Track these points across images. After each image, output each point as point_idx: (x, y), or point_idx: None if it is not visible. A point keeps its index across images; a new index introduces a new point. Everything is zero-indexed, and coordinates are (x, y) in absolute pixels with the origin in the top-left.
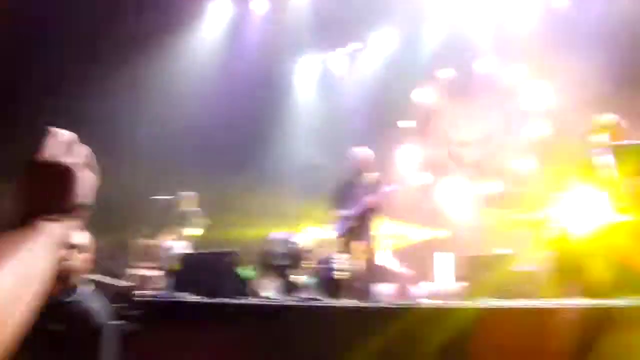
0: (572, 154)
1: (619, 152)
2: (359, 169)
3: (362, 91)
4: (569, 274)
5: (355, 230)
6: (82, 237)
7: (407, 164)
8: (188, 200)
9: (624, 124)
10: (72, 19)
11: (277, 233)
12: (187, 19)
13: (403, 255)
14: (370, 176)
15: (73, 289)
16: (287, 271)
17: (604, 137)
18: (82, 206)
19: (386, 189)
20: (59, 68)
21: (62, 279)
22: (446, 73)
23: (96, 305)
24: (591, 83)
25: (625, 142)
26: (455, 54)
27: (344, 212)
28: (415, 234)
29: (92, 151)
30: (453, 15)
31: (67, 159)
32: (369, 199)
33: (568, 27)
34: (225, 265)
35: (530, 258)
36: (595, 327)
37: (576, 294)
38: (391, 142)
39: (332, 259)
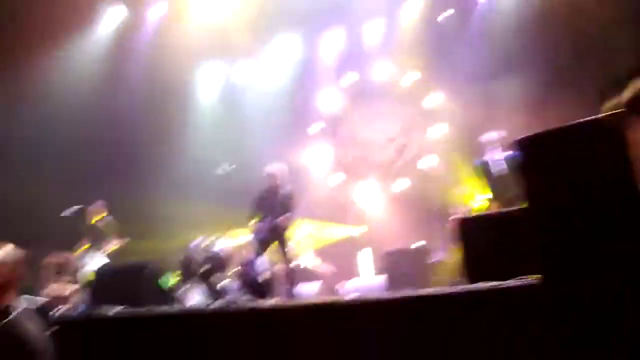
0: (468, 153)
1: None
2: (275, 182)
3: (266, 99)
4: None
5: (271, 238)
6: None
7: (319, 166)
8: (98, 210)
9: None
10: None
11: (197, 240)
12: (81, 22)
13: (324, 253)
14: (285, 188)
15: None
16: (211, 277)
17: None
18: None
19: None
20: None
21: None
22: (349, 78)
23: (31, 326)
24: (479, 85)
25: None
26: (356, 60)
27: (261, 224)
28: (334, 232)
29: None
30: (351, 22)
31: None
32: (280, 219)
33: (455, 34)
34: (145, 276)
35: (442, 249)
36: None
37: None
38: (301, 146)
39: (254, 261)
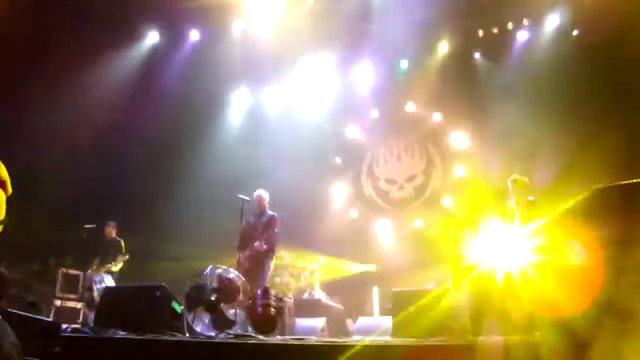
0: (489, 195)
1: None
2: (262, 204)
3: (293, 126)
4: (486, 312)
5: (252, 271)
6: None
7: (337, 198)
8: (111, 229)
9: (528, 182)
10: None
11: (209, 267)
12: (117, 43)
13: (332, 288)
14: (267, 214)
15: None
16: (219, 306)
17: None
18: None
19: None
20: None
21: None
22: (374, 114)
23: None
24: (503, 131)
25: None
26: (382, 96)
27: (240, 255)
28: (344, 267)
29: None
30: (381, 57)
31: None
32: (256, 244)
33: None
34: (157, 299)
35: (454, 294)
36: None
37: (494, 331)
38: (322, 177)
39: (266, 294)
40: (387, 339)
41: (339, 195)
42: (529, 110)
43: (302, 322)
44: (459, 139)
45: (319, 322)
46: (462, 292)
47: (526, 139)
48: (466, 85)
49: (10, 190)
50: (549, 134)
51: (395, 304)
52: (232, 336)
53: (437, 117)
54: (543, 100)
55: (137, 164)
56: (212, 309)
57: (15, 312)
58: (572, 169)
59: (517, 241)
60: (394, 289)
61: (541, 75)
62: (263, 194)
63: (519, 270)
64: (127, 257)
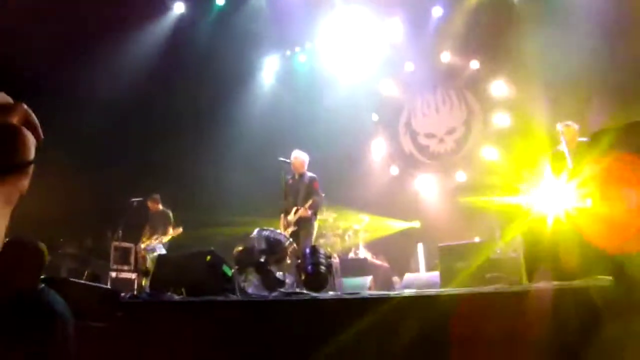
0: (533, 144)
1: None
2: (301, 168)
3: (328, 84)
4: (539, 259)
5: (297, 233)
6: None
7: (377, 157)
8: (155, 202)
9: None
10: None
11: (256, 230)
12: (145, 13)
13: (376, 247)
14: (307, 176)
15: (33, 287)
16: (270, 267)
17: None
18: (24, 164)
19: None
20: None
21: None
22: (408, 66)
23: (57, 304)
24: (548, 73)
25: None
26: (416, 49)
27: (284, 218)
28: (387, 226)
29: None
30: (415, 8)
31: (3, 118)
32: (302, 210)
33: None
34: (208, 263)
35: (501, 246)
36: (565, 307)
37: (547, 278)
38: (364, 136)
39: (315, 253)
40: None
41: (378, 152)
42: (575, 48)
43: (349, 282)
44: (500, 86)
45: (366, 281)
46: (512, 241)
47: (576, 80)
48: (504, 28)
49: (41, 135)
50: (602, 73)
51: (442, 259)
52: (285, 294)
53: (474, 64)
54: (592, 36)
55: (174, 134)
56: (262, 270)
57: (76, 281)
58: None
59: (568, 186)
60: (439, 244)
61: (590, 8)
62: (301, 155)
63: (570, 215)
64: (181, 229)
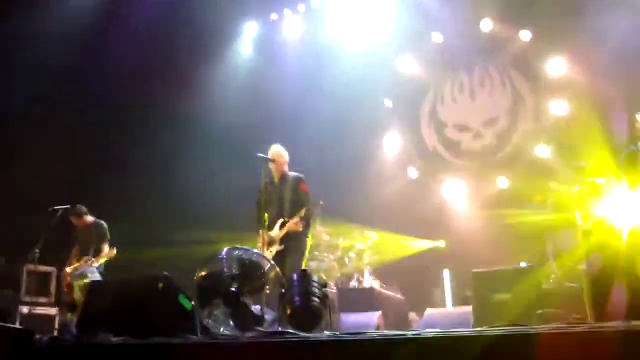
0: (601, 140)
1: None
2: (282, 167)
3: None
4: (615, 276)
5: (283, 253)
6: None
7: (391, 155)
8: (79, 214)
9: None
10: None
11: (228, 249)
12: None
13: (388, 273)
14: (291, 177)
15: None
16: (242, 297)
17: None
18: None
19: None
20: None
21: None
22: (436, 37)
23: None
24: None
25: None
26: (448, 13)
27: (264, 233)
28: (403, 246)
29: None
30: None
31: None
32: (290, 223)
33: None
34: (159, 293)
35: (557, 273)
36: None
37: (621, 315)
38: (373, 128)
39: (305, 280)
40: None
41: (391, 150)
42: None
43: (350, 318)
44: (558, 64)
45: (373, 318)
46: (572, 267)
47: None
48: None
49: None
50: None
51: (476, 289)
52: (265, 334)
53: (525, 35)
54: None
55: (116, 124)
56: (233, 302)
57: None
58: None
59: None
60: (473, 270)
61: None
62: (281, 150)
63: None
64: (114, 250)
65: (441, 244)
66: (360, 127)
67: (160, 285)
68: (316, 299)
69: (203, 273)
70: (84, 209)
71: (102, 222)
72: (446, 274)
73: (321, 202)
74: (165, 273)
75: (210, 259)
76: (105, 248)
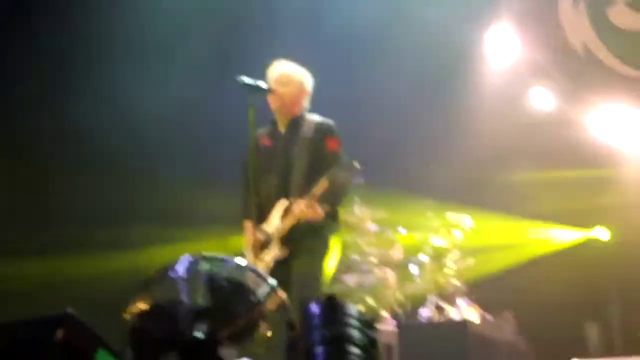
0: None
1: None
2: (289, 110)
3: None
4: None
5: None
6: None
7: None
8: None
9: None
10: None
11: (195, 258)
12: None
13: (498, 293)
14: (311, 124)
15: None
16: (218, 348)
17: None
18: None
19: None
20: None
21: None
22: None
23: None
24: None
25: None
26: None
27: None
28: (521, 239)
29: None
30: None
31: None
32: (297, 208)
33: None
34: (59, 345)
35: None
36: None
37: None
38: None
39: (335, 312)
40: None
41: (501, 55)
42: None
43: None
44: None
45: None
46: None
47: None
48: None
49: None
50: None
51: None
52: None
53: None
54: None
55: None
56: (199, 358)
57: None
58: None
59: None
60: None
61: None
62: (293, 70)
63: None
64: None
65: (602, 233)
66: (436, 20)
67: (60, 333)
68: (356, 350)
69: (142, 306)
70: None
71: None
72: (612, 293)
73: (360, 166)
74: (68, 310)
75: (155, 279)
76: None
